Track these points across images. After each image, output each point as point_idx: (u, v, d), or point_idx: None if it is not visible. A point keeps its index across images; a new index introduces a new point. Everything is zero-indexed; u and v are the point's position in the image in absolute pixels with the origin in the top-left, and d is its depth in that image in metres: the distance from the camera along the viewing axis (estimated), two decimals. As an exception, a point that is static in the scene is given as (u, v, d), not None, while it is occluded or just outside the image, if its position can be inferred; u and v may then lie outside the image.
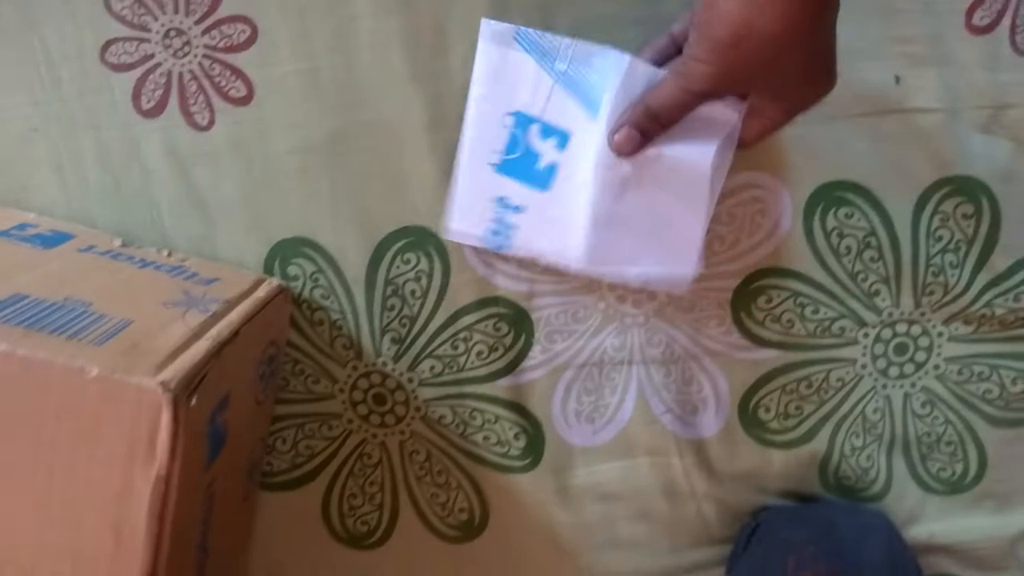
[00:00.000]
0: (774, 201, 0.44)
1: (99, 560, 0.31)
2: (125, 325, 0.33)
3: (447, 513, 0.49)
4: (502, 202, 0.42)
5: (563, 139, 0.42)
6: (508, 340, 0.46)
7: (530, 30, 0.40)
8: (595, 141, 0.40)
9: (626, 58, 0.39)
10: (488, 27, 0.40)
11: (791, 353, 0.46)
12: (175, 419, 0.30)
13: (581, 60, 0.40)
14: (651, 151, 0.39)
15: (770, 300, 0.45)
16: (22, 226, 0.41)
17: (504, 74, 0.41)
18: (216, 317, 0.37)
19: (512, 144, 0.42)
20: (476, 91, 0.41)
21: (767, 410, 0.47)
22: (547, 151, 0.42)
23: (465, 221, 0.42)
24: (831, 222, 0.44)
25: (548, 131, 0.42)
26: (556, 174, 0.42)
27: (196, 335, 0.34)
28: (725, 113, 0.37)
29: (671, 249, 0.41)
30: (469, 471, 0.48)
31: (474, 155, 0.42)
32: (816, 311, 0.45)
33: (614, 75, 0.39)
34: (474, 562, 0.50)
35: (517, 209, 0.42)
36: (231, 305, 0.39)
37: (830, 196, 0.44)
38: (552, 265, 0.42)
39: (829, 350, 0.46)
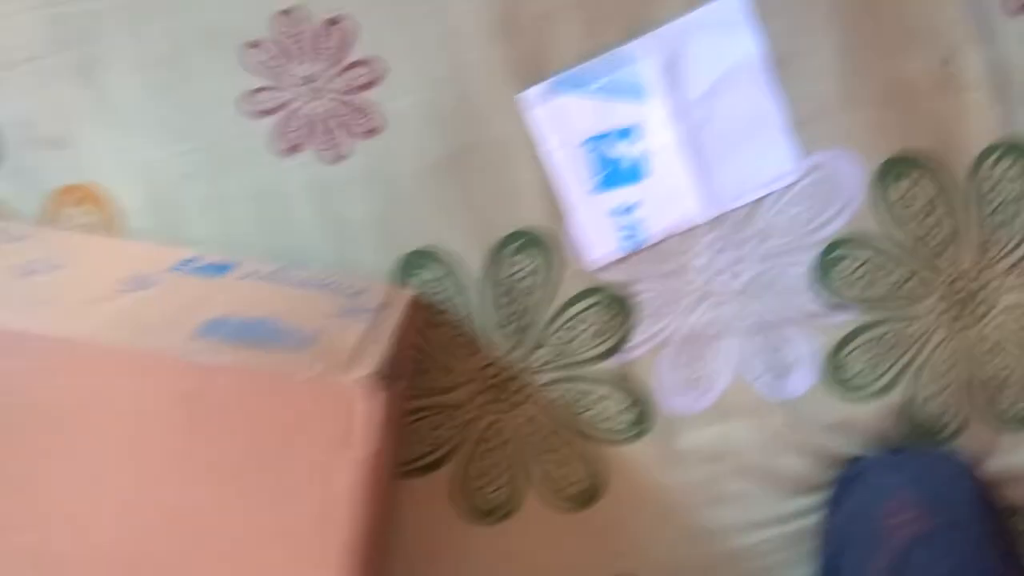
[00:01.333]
0: (846, 176, 0.49)
1: (307, 543, 0.37)
2: (312, 334, 0.39)
3: (564, 486, 0.54)
4: (618, 211, 0.48)
5: (633, 132, 0.48)
6: (613, 324, 0.51)
7: (558, 76, 0.47)
8: (659, 115, 0.48)
9: (635, 42, 0.47)
10: (525, 98, 0.47)
11: (870, 314, 0.51)
12: (374, 412, 0.36)
13: (607, 69, 0.47)
14: (702, 81, 0.47)
15: (847, 267, 0.50)
16: (187, 260, 0.46)
17: (558, 121, 0.48)
18: (376, 324, 0.42)
19: (598, 165, 0.48)
20: (544, 148, 0.48)
21: (851, 367, 0.52)
22: (627, 150, 0.48)
23: (599, 249, 0.49)
24: (897, 192, 0.49)
25: (619, 135, 0.48)
26: (645, 161, 0.48)
27: (369, 340, 0.40)
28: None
29: (768, 148, 0.48)
30: (583, 447, 0.53)
31: (574, 196, 0.49)
32: (890, 273, 0.50)
33: (636, 59, 0.47)
34: (591, 529, 0.55)
35: (633, 207, 0.48)
36: (382, 312, 0.44)
37: (896, 168, 0.49)
38: (685, 232, 0.49)
39: (904, 308, 0.51)
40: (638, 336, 0.51)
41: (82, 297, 0.39)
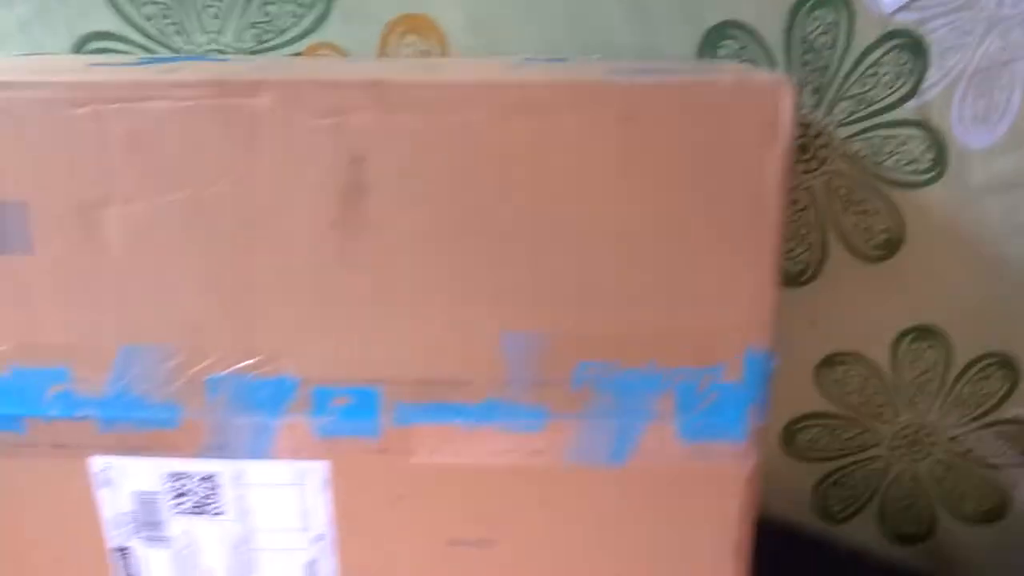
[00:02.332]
0: None
1: (742, 235, 0.40)
2: (700, 74, 0.43)
3: (869, 237, 0.58)
4: None
5: None
6: (908, 67, 0.54)
7: None
8: None
9: None
10: None
11: None
12: (793, 106, 0.39)
13: None
14: None
15: None
16: (527, 59, 0.50)
17: None
18: (730, 72, 0.46)
19: None
20: None
21: None
22: None
23: None
24: None
25: None
26: None
27: (741, 77, 0.44)
28: None
29: None
30: (886, 194, 0.57)
31: None
32: None
33: None
34: (895, 279, 0.59)
35: None
36: (722, 68, 0.48)
37: None
38: None
39: None
40: (933, 75, 0.54)
41: (488, 71, 0.44)
